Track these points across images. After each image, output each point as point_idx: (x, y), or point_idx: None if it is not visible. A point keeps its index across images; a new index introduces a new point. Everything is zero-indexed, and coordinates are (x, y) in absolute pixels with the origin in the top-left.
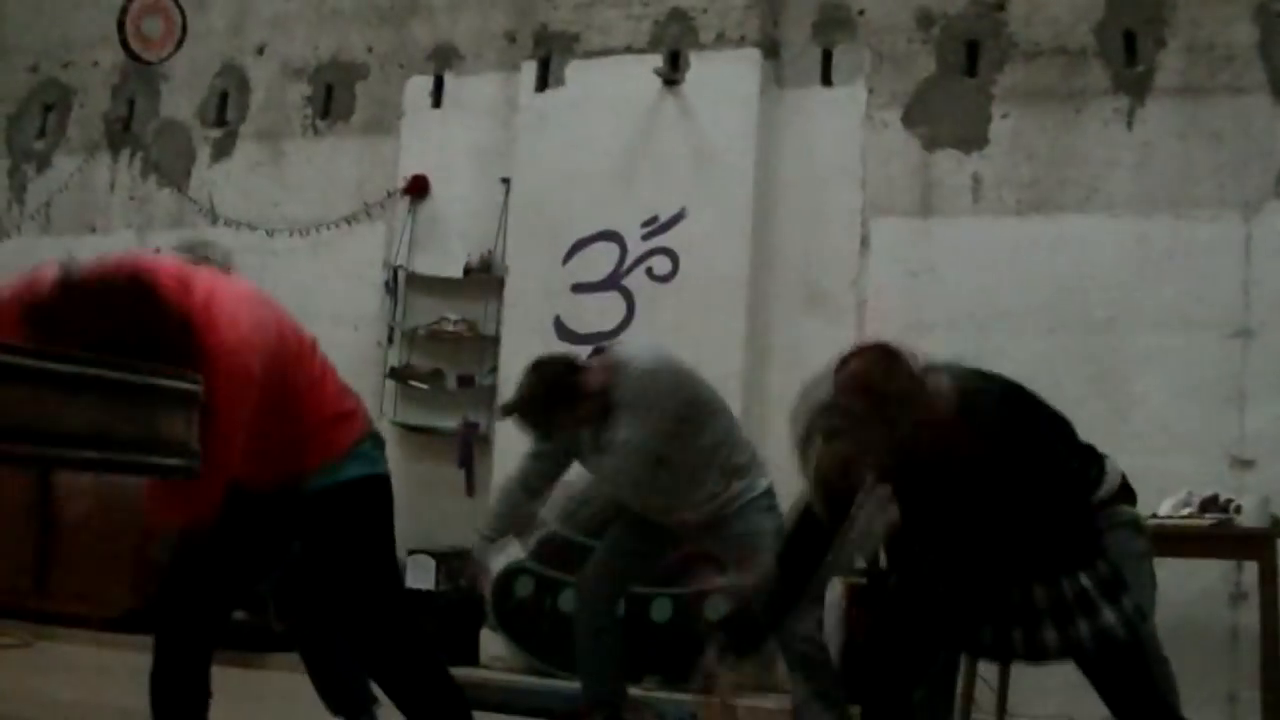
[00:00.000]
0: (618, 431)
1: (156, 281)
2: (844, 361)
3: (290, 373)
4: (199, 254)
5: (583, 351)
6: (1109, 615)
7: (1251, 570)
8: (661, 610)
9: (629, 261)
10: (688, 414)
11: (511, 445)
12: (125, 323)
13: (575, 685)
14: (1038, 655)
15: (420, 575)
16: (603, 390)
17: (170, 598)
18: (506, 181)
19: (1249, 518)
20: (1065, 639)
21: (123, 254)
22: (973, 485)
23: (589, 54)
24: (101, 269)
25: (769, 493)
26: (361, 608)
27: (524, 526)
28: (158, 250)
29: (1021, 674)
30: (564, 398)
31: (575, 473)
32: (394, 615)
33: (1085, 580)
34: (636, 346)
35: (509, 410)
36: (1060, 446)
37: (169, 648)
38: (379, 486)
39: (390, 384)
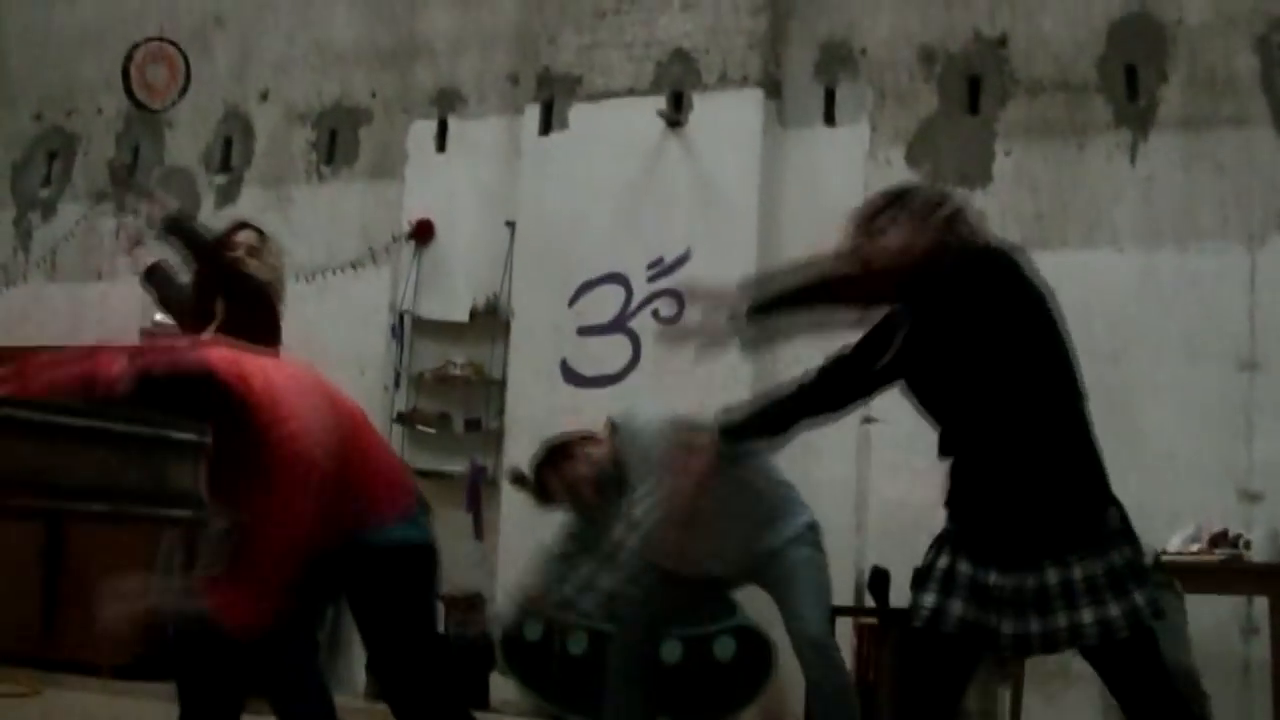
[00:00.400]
0: (639, 492)
1: (222, 378)
2: None
3: (347, 448)
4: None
5: (590, 394)
6: (1113, 608)
7: (1262, 604)
8: (671, 652)
9: (635, 303)
10: None
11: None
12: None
13: None
14: (1050, 645)
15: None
16: (610, 458)
17: (194, 649)
18: (511, 224)
19: (1259, 552)
20: (1072, 627)
21: (158, 340)
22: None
23: (592, 96)
24: (170, 364)
25: (813, 528)
26: (396, 670)
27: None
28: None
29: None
30: (556, 460)
31: None
32: (429, 677)
33: (1098, 567)
34: (631, 409)
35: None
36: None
37: (195, 702)
38: (427, 555)
39: (397, 428)
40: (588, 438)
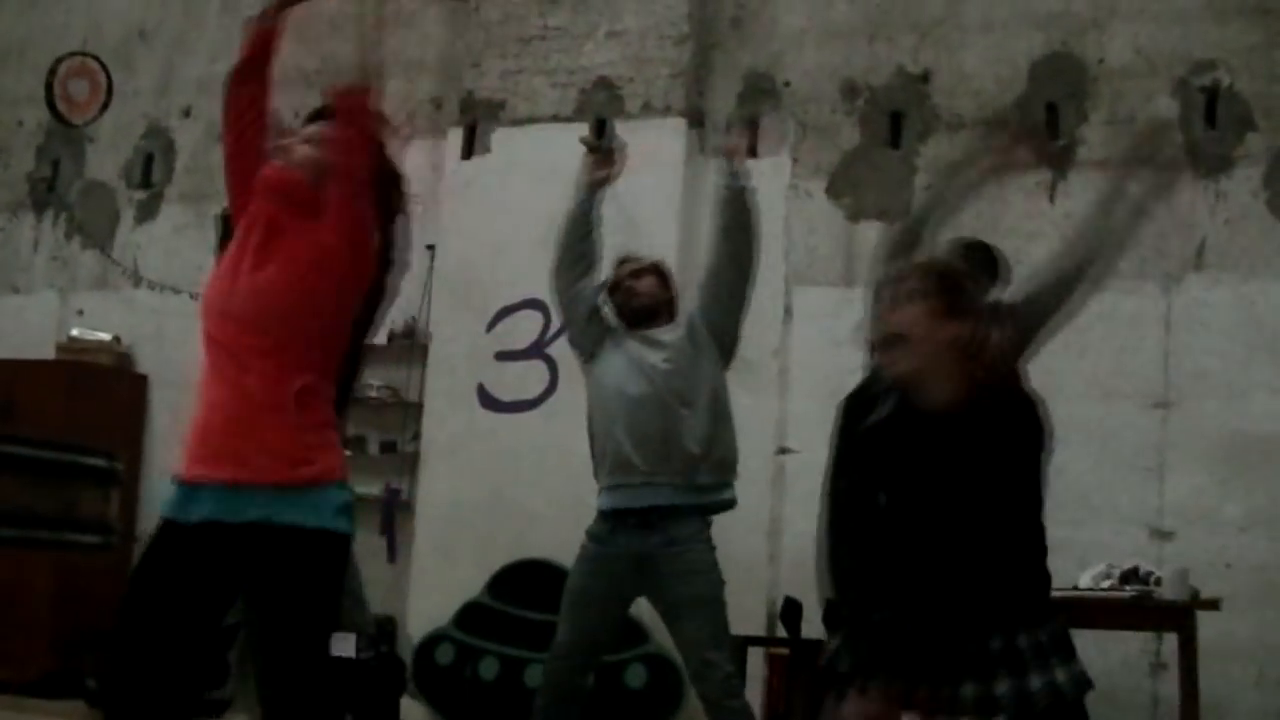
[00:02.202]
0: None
1: None
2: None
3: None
4: None
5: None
6: (1061, 673)
7: (1171, 641)
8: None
9: (553, 329)
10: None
11: (434, 512)
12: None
13: None
14: (988, 711)
15: (342, 643)
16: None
17: (117, 669)
18: (431, 248)
19: (1168, 590)
20: (1017, 692)
21: None
22: (970, 470)
23: (515, 121)
24: None
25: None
26: (289, 674)
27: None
28: (80, 313)
29: None
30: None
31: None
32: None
33: (1042, 636)
34: None
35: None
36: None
37: None
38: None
39: None
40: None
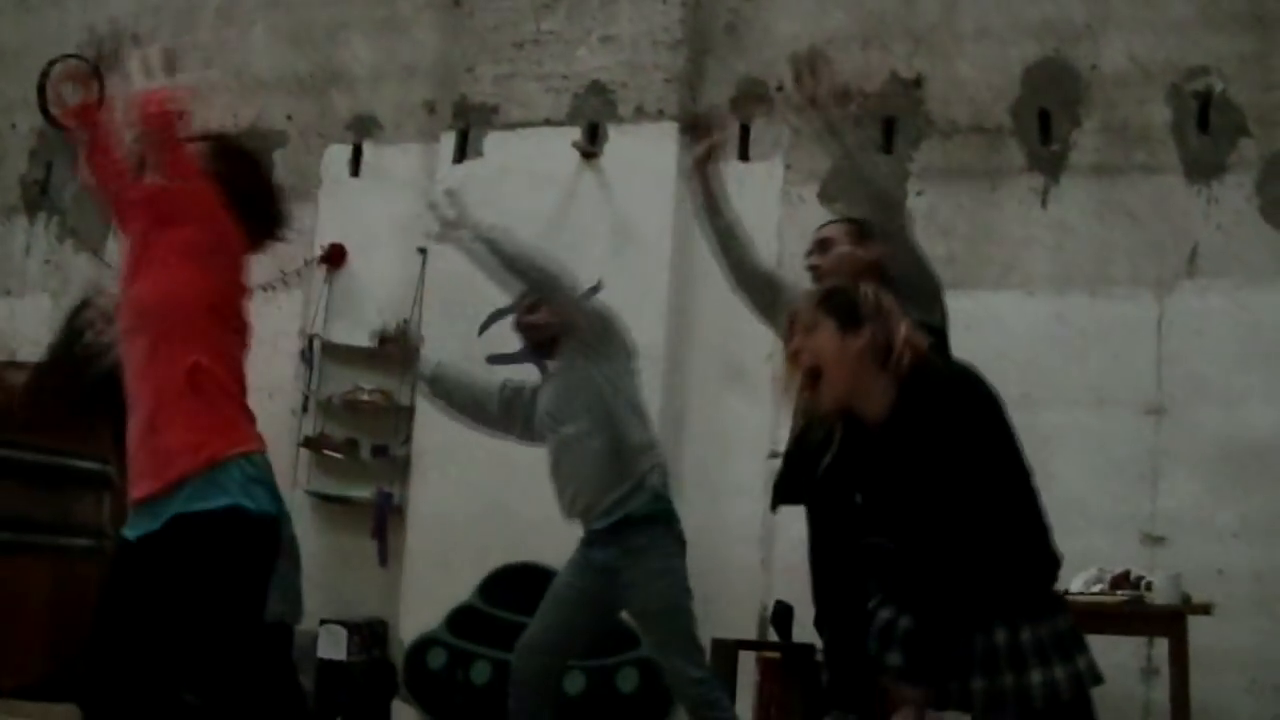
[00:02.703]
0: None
1: None
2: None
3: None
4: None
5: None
6: (1059, 671)
7: (1163, 646)
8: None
9: None
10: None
11: (426, 516)
12: None
13: None
14: (995, 705)
15: (332, 646)
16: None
17: (98, 673)
18: (424, 251)
19: (1160, 595)
20: (1019, 688)
21: None
22: (919, 459)
23: (508, 126)
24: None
25: (666, 543)
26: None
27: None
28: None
29: None
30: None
31: None
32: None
33: (1043, 631)
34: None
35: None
36: (1008, 467)
37: None
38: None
39: (304, 453)
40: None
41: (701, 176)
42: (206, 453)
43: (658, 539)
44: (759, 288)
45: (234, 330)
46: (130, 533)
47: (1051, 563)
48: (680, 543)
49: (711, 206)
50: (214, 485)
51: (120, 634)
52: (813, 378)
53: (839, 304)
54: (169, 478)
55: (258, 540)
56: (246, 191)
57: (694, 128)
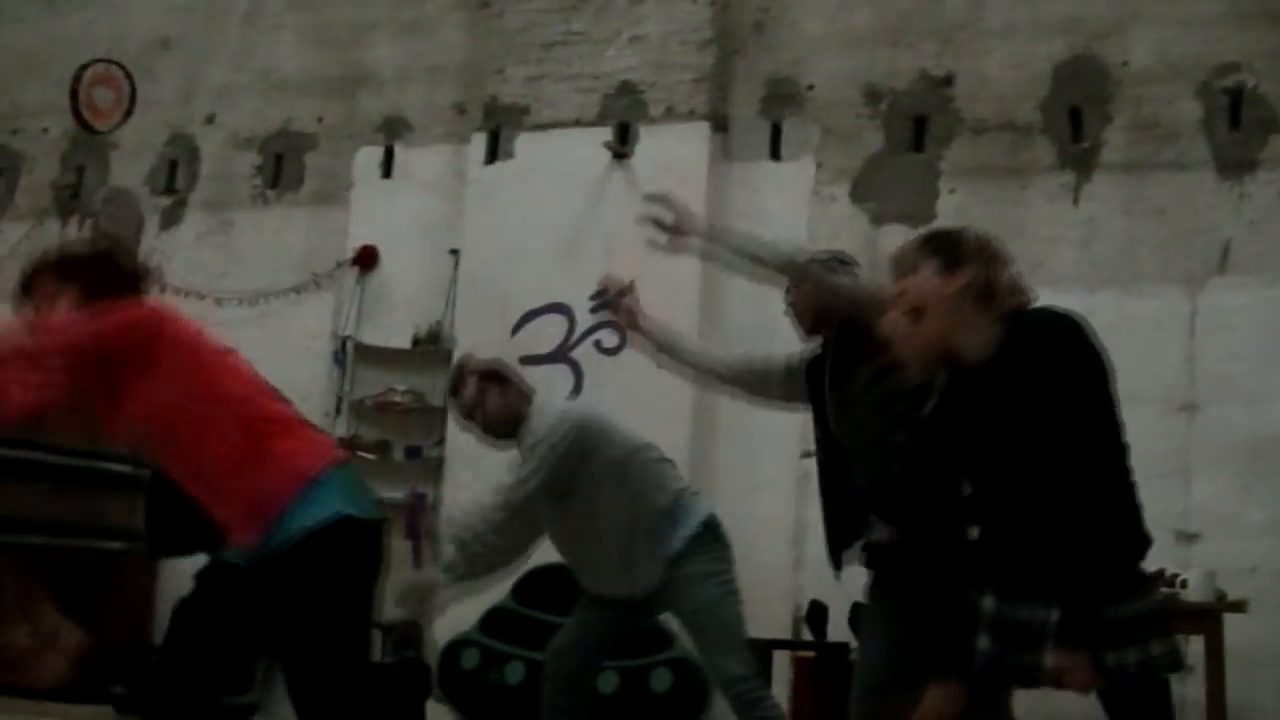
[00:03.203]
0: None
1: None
2: None
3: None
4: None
5: None
6: (1130, 654)
7: (1197, 644)
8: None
9: (577, 334)
10: (585, 455)
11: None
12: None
13: None
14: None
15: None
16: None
17: (161, 682)
18: (455, 253)
19: (1194, 592)
20: (1119, 664)
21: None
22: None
23: (538, 127)
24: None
25: (709, 548)
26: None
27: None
28: None
29: None
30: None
31: None
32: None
33: (1138, 607)
34: (565, 402)
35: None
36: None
37: None
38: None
39: None
40: (506, 381)
41: (640, 330)
42: (298, 475)
43: (703, 545)
44: (742, 379)
45: (221, 371)
46: (235, 558)
47: (1140, 540)
48: (725, 545)
49: (668, 350)
50: (314, 502)
51: (214, 651)
52: (914, 317)
53: (941, 244)
54: (271, 515)
55: (367, 544)
56: (105, 284)
57: (600, 293)
